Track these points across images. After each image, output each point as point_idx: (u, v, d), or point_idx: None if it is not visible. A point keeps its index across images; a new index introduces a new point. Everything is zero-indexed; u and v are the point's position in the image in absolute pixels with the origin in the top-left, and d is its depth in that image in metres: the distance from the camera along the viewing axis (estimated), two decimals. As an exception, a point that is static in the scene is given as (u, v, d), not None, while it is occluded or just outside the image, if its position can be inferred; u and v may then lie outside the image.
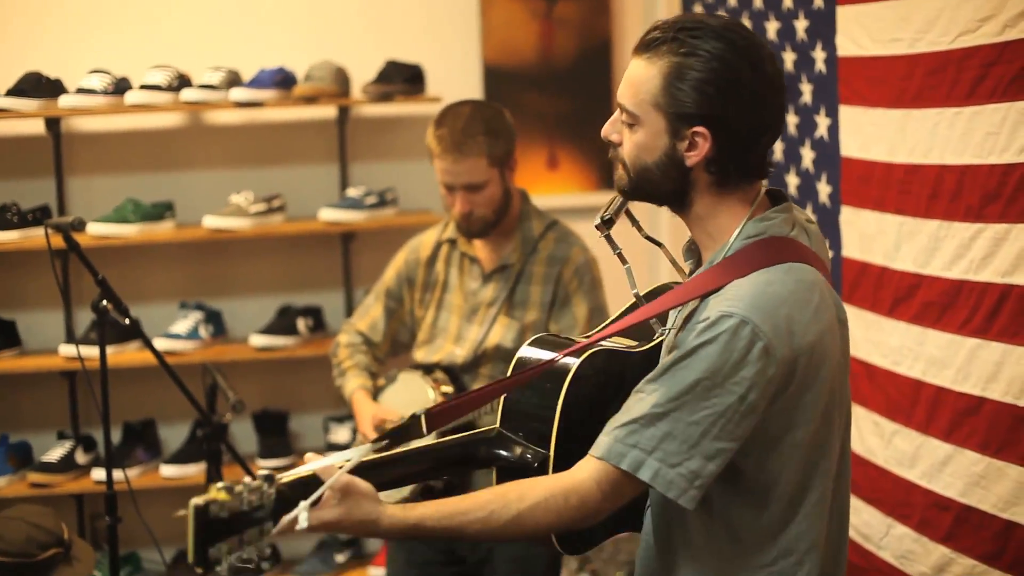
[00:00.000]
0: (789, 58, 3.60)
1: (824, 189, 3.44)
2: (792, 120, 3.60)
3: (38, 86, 4.15)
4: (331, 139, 4.56)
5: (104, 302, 3.09)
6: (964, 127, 2.79)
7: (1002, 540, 2.71)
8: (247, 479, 1.81)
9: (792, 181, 3.62)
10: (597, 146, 2.10)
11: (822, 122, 3.43)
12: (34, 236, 4.16)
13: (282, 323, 4.39)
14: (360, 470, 1.95)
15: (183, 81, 4.25)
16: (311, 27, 4.55)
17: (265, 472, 1.86)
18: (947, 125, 2.84)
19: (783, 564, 2.04)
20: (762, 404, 1.94)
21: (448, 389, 3.38)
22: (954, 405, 2.86)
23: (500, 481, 2.16)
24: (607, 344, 2.19)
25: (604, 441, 1.97)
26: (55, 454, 4.23)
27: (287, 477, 1.90)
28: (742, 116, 1.98)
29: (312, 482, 1.90)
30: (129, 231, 4.22)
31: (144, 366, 4.14)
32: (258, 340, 4.34)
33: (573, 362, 2.13)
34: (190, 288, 4.54)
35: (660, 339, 2.21)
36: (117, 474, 3.17)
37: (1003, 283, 2.69)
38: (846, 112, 3.29)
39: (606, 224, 2.16)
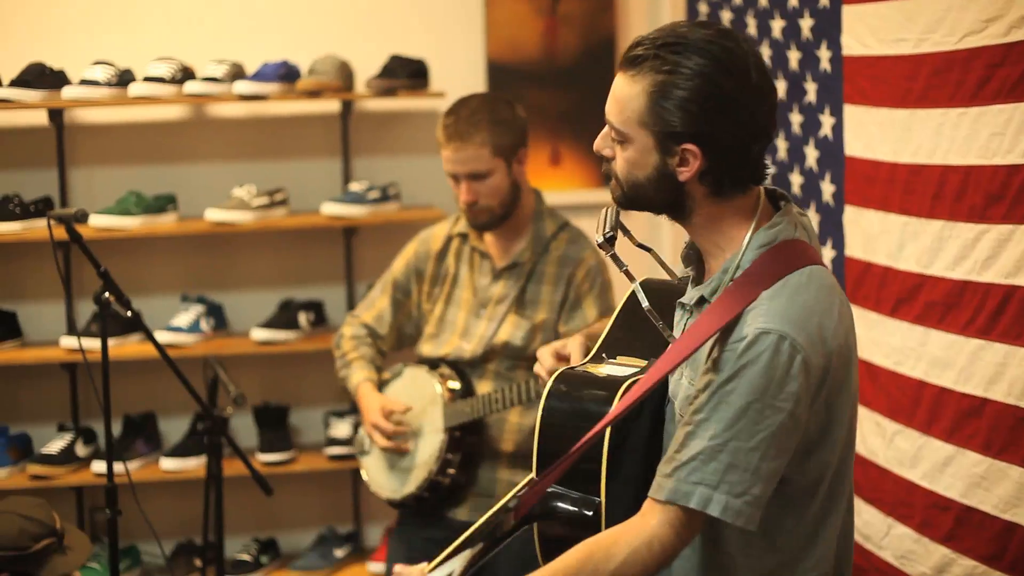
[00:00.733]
0: (794, 57, 3.59)
1: (828, 188, 3.43)
2: (796, 119, 3.60)
3: (41, 77, 4.14)
4: (334, 133, 4.55)
5: (106, 294, 3.08)
6: (969, 128, 2.78)
7: (1003, 541, 2.71)
8: None
9: (796, 180, 3.62)
10: (605, 123, 2.08)
11: (826, 121, 3.42)
12: (36, 227, 4.16)
13: (283, 317, 4.39)
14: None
15: (187, 74, 4.25)
16: (315, 21, 4.55)
17: None
18: (952, 126, 2.84)
19: (825, 567, 2.07)
20: (806, 414, 1.95)
21: (455, 385, 3.38)
22: (956, 406, 2.85)
23: (546, 531, 2.18)
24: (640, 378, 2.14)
25: (667, 484, 1.96)
26: (55, 446, 4.23)
27: None
28: (730, 129, 1.97)
29: None
30: (131, 223, 4.21)
31: (145, 359, 4.14)
32: (259, 334, 4.34)
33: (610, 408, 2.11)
34: (192, 281, 4.53)
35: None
36: (117, 467, 3.16)
37: (1007, 284, 2.69)
38: (851, 111, 3.28)
39: (609, 242, 2.13)
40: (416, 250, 3.52)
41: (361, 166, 4.59)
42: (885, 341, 3.13)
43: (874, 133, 3.17)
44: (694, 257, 2.15)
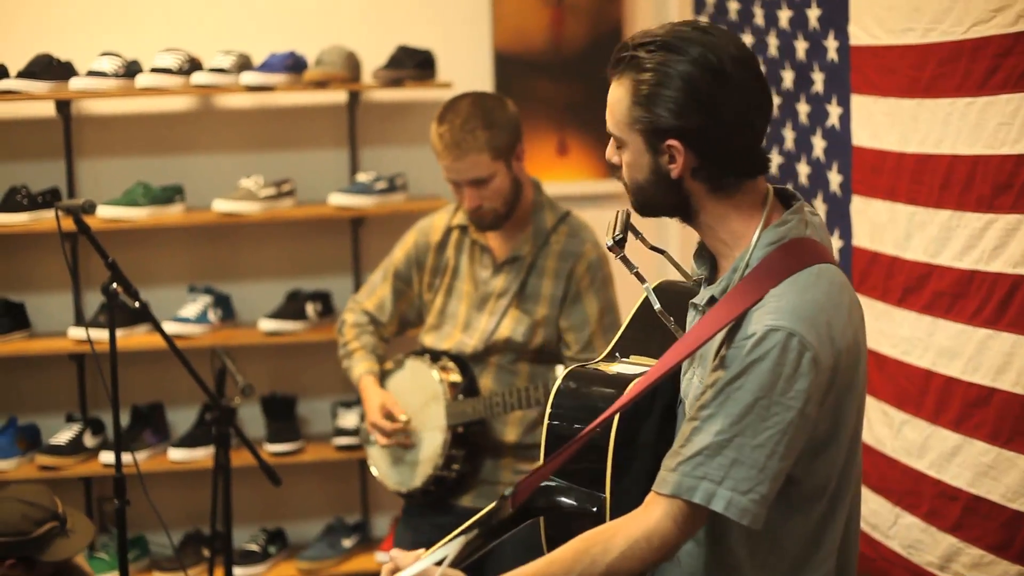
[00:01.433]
0: (801, 47, 3.59)
1: (835, 178, 3.43)
2: (804, 109, 3.60)
3: (49, 68, 4.14)
4: (341, 124, 4.56)
5: (114, 285, 3.09)
6: (976, 117, 2.78)
7: (1010, 530, 2.72)
8: None
9: (803, 170, 3.62)
10: (607, 133, 2.10)
11: (834, 111, 3.42)
12: (44, 218, 4.17)
13: (291, 308, 4.39)
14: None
15: (194, 65, 4.25)
16: (322, 12, 4.55)
17: None
18: (959, 115, 2.84)
19: (829, 565, 2.06)
20: (816, 413, 1.95)
21: (456, 378, 3.38)
22: (964, 395, 2.85)
23: (551, 526, 2.18)
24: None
25: (671, 477, 1.96)
26: (63, 437, 4.24)
27: None
28: (710, 122, 1.97)
29: None
30: (138, 214, 4.22)
31: (153, 349, 4.15)
32: (267, 324, 4.34)
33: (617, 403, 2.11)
34: (199, 272, 4.54)
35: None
36: (125, 457, 3.17)
37: (1014, 274, 2.69)
38: (858, 101, 3.28)
39: (619, 245, 2.14)
40: (416, 241, 3.52)
41: (368, 157, 4.59)
42: (893, 331, 3.13)
43: (881, 123, 3.17)
44: (706, 257, 2.15)
